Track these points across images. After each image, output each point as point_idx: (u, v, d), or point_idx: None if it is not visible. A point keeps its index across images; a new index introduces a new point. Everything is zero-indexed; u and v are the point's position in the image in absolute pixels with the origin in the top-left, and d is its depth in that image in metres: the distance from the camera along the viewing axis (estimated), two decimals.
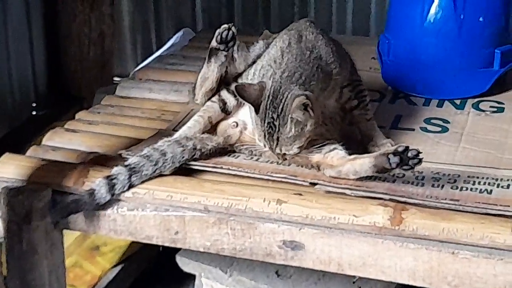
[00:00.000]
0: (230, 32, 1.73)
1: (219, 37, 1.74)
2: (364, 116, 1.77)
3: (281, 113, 1.56)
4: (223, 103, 1.74)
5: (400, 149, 1.52)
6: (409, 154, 1.51)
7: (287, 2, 3.40)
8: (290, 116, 1.55)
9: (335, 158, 1.60)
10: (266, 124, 1.58)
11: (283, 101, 1.56)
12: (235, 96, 1.71)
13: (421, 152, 1.52)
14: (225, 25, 1.74)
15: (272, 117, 1.57)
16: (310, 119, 1.57)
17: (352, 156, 1.59)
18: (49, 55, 3.06)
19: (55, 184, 1.65)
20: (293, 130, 1.57)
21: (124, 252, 2.37)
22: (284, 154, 1.61)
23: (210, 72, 1.77)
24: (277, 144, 1.59)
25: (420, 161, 1.51)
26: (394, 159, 1.51)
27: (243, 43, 1.84)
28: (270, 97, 1.58)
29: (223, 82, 1.79)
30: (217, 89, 1.78)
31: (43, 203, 1.62)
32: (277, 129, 1.57)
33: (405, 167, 1.52)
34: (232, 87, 1.69)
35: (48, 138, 1.89)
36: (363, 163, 1.56)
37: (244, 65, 1.80)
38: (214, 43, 1.75)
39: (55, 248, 1.68)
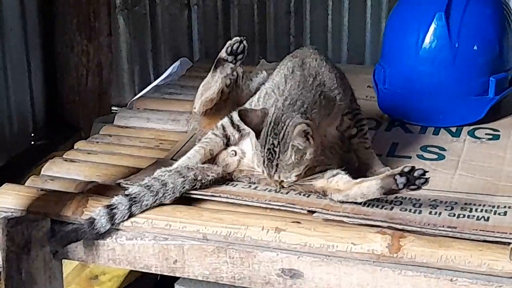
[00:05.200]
0: (241, 45, 1.73)
1: (229, 48, 1.73)
2: (363, 145, 1.78)
3: (282, 140, 1.57)
4: (227, 138, 1.73)
5: (406, 170, 1.52)
6: (415, 174, 1.51)
7: (283, 32, 3.42)
8: (291, 143, 1.56)
9: (340, 183, 1.60)
10: (266, 150, 1.59)
11: (284, 128, 1.57)
12: (238, 131, 1.71)
13: (427, 171, 1.52)
14: (237, 38, 1.73)
15: (273, 144, 1.58)
16: (310, 147, 1.58)
17: (359, 180, 1.59)
18: (47, 86, 3.07)
19: (54, 213, 1.65)
20: (293, 157, 1.57)
21: (122, 282, 2.36)
22: (282, 181, 1.61)
23: (213, 82, 1.76)
24: (276, 170, 1.60)
25: (426, 180, 1.51)
26: (401, 180, 1.51)
27: (247, 73, 1.85)
28: (272, 124, 1.58)
29: (225, 98, 1.78)
30: (217, 101, 1.77)
31: (42, 233, 1.62)
32: (277, 156, 1.58)
33: (412, 187, 1.52)
34: (235, 115, 1.68)
35: (47, 168, 1.90)
36: (370, 186, 1.56)
37: (246, 93, 1.81)
38: (223, 54, 1.74)
39: (54, 278, 1.68)
